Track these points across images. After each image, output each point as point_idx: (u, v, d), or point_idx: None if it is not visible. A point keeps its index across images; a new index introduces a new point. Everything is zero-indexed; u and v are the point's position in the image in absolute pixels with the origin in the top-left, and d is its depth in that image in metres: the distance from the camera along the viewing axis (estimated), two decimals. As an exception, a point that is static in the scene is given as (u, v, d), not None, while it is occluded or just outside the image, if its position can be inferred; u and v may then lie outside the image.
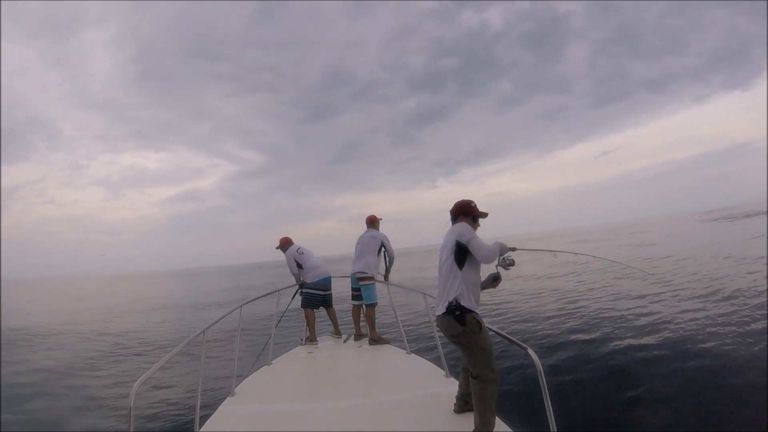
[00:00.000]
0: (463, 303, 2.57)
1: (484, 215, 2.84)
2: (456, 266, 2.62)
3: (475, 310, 2.61)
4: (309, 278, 5.52)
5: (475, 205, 2.82)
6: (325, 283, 5.58)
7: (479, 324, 2.60)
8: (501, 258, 2.64)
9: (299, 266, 5.58)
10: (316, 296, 5.51)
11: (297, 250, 5.64)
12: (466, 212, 2.80)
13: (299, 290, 5.61)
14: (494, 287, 2.83)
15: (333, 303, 5.72)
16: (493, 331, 2.90)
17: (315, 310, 5.57)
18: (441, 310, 2.67)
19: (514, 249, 2.70)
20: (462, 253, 2.60)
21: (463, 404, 2.90)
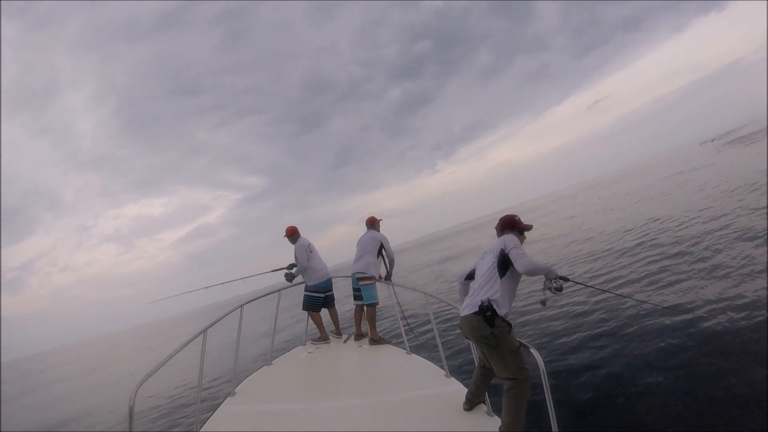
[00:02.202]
0: (496, 307, 2.59)
1: (529, 228, 2.95)
2: (497, 273, 2.67)
3: (505, 316, 2.64)
4: (310, 280, 5.48)
5: (519, 219, 2.94)
6: (326, 285, 5.56)
7: (508, 325, 2.63)
8: (549, 281, 2.63)
9: None
10: (317, 299, 5.48)
11: (308, 246, 5.50)
12: (511, 226, 2.91)
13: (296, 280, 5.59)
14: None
15: (335, 303, 5.71)
16: None
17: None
18: (471, 309, 2.66)
19: (566, 279, 2.68)
20: (505, 262, 2.67)
21: (473, 401, 2.93)
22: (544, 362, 2.31)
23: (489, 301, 2.59)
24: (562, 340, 6.38)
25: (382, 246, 5.26)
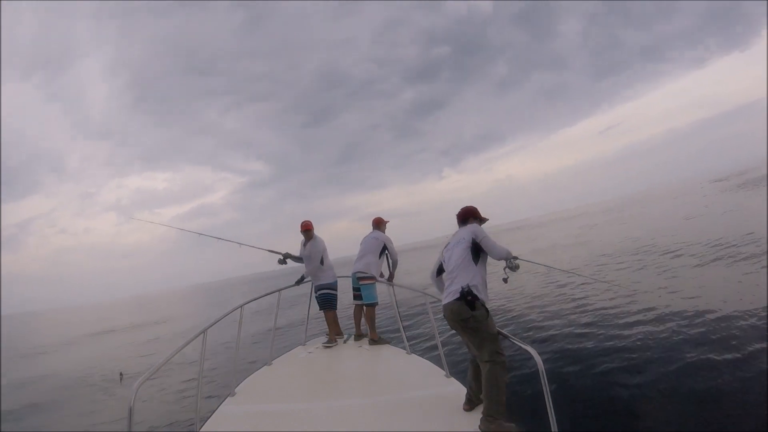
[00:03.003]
0: (476, 291, 2.83)
1: (485, 219, 3.28)
2: (472, 260, 2.93)
3: (485, 301, 2.88)
4: (328, 278, 5.38)
5: (478, 210, 3.26)
6: (336, 284, 5.53)
7: (487, 311, 2.85)
8: (509, 261, 2.92)
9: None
10: (334, 296, 5.42)
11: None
12: (474, 216, 3.22)
13: (299, 283, 5.53)
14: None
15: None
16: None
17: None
18: (453, 296, 2.88)
19: (516, 258, 2.98)
20: (477, 250, 2.94)
21: (474, 402, 2.98)
22: (543, 361, 2.32)
23: (469, 286, 2.83)
24: (560, 341, 6.38)
25: (385, 247, 5.27)
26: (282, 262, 5.53)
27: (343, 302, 5.62)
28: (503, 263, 2.95)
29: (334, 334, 5.40)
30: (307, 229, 5.37)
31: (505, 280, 3.01)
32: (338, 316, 5.66)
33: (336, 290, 5.47)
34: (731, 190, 30.19)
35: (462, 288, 2.84)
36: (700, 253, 10.59)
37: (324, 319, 5.55)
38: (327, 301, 5.39)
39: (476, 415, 2.87)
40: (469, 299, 2.80)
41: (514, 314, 8.23)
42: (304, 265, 5.48)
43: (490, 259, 3.02)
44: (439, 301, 4.09)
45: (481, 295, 2.84)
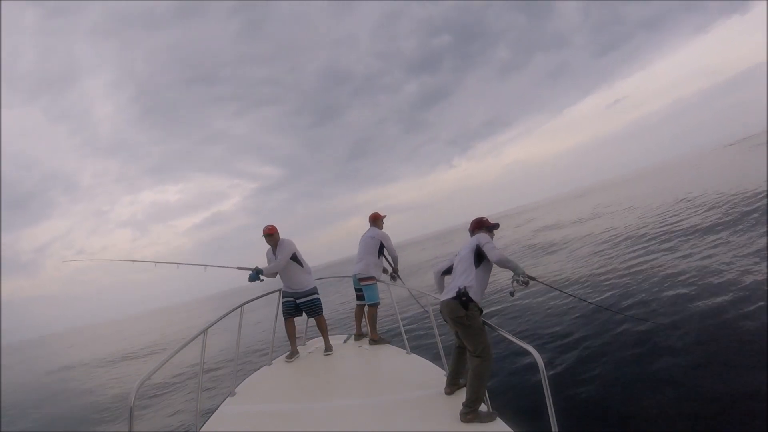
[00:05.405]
0: (470, 293, 3.03)
1: (496, 226, 3.48)
2: (473, 264, 3.13)
3: (478, 302, 3.08)
4: (312, 282, 5.16)
5: (487, 219, 3.51)
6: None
7: (480, 311, 3.08)
8: (517, 275, 3.05)
9: (300, 265, 5.02)
10: (320, 301, 5.21)
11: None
12: (480, 226, 3.44)
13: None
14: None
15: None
16: (494, 329, 3.04)
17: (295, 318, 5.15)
18: (449, 295, 3.12)
19: (533, 279, 3.11)
20: (479, 255, 3.14)
21: (454, 385, 3.25)
22: (544, 361, 2.32)
23: (465, 288, 3.05)
24: (561, 341, 6.38)
25: (383, 245, 5.25)
26: (254, 278, 4.71)
27: (342, 301, 5.58)
28: (511, 276, 3.05)
29: (328, 341, 5.09)
30: (270, 233, 4.86)
31: (512, 293, 3.13)
32: (336, 316, 5.61)
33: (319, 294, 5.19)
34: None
35: (459, 289, 3.05)
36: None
37: (292, 327, 5.09)
38: (317, 307, 5.08)
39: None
40: (463, 299, 3.01)
41: (514, 313, 8.24)
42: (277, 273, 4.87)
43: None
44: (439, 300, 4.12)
45: (475, 297, 3.04)
